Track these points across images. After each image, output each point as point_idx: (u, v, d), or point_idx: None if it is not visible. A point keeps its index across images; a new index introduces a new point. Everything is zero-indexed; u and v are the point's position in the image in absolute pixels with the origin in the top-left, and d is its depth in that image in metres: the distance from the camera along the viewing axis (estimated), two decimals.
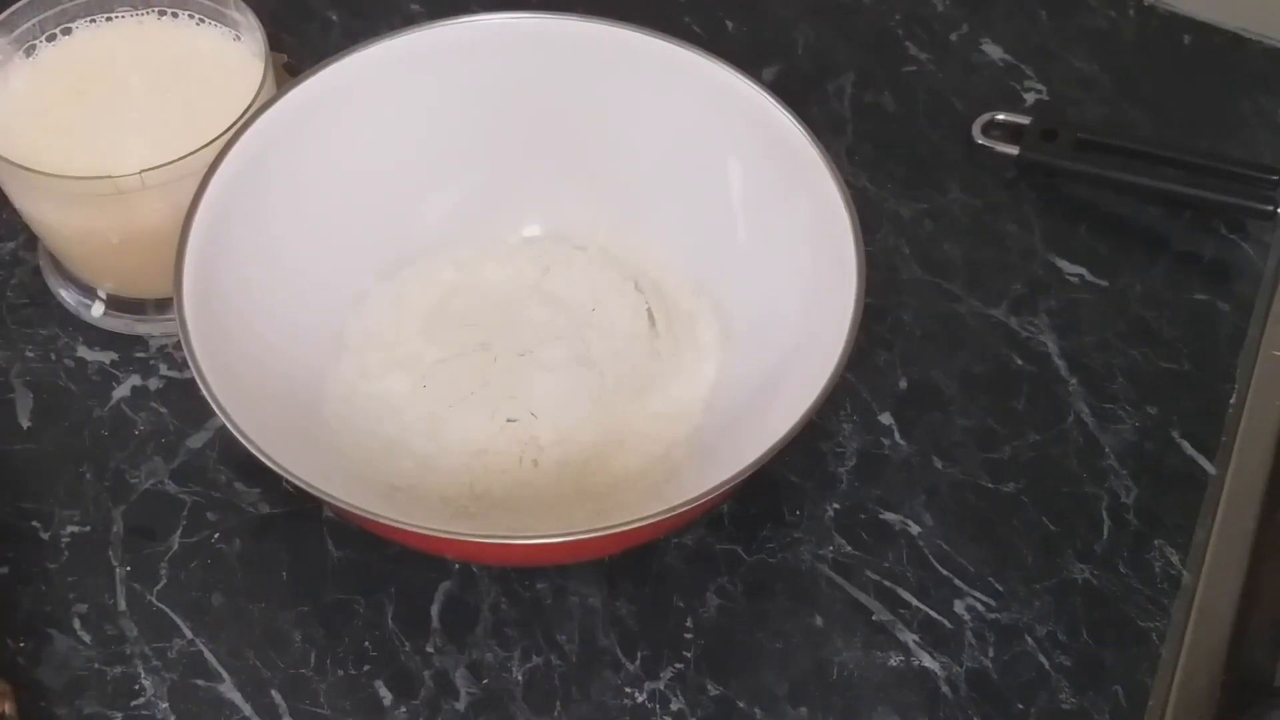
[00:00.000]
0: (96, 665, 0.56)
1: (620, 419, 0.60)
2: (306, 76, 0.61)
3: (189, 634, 0.57)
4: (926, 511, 0.61)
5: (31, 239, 0.68)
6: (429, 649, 0.57)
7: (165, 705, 0.55)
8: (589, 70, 0.63)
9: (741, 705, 0.56)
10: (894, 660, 0.57)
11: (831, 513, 0.61)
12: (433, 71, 0.63)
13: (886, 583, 0.59)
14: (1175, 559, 0.61)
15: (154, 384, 0.64)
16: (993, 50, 0.79)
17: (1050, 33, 0.80)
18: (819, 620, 0.58)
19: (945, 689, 0.57)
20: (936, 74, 0.77)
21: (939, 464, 0.63)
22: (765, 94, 0.60)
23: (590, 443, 0.59)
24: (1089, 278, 0.69)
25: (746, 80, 0.61)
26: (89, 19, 0.64)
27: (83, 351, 0.65)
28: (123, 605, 0.58)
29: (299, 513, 0.60)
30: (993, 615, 0.59)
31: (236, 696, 0.56)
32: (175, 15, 0.65)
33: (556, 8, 0.64)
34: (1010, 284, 0.69)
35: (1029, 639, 0.58)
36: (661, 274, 0.64)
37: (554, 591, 0.59)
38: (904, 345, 0.67)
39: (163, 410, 0.63)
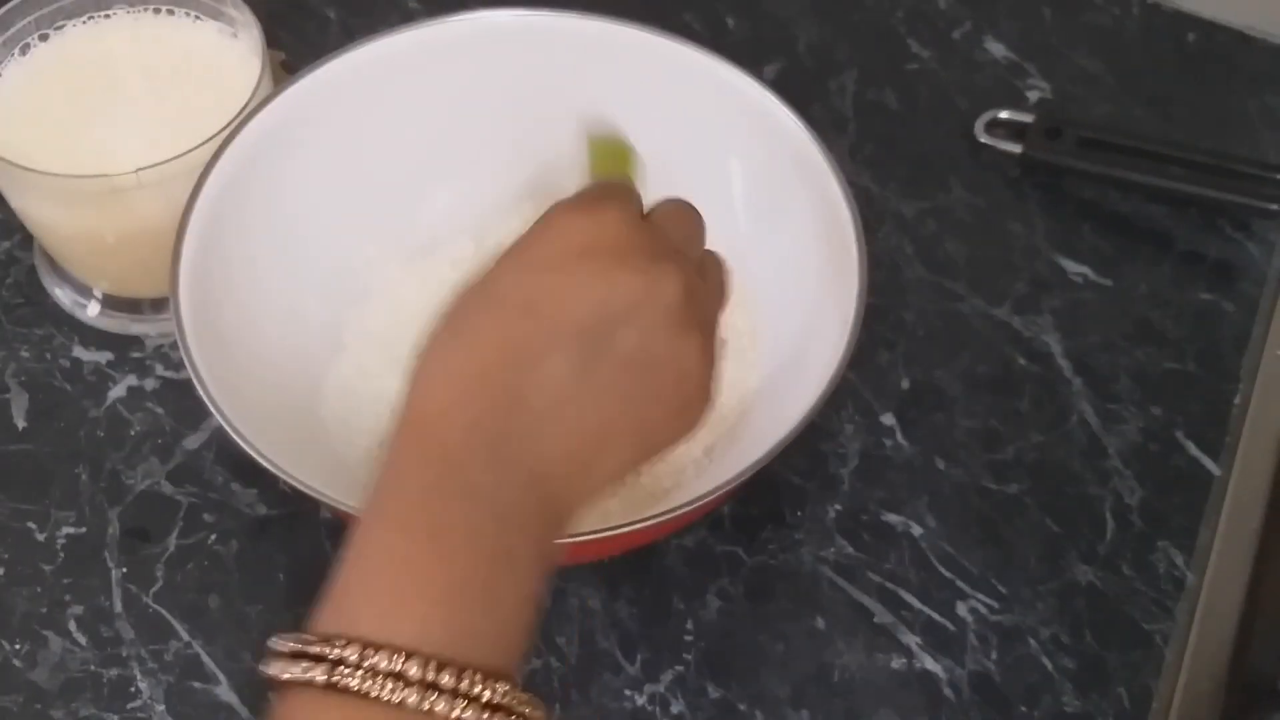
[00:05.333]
0: (92, 667, 0.56)
1: None
2: (304, 74, 0.60)
3: (185, 636, 0.57)
4: (929, 513, 0.61)
5: (27, 238, 0.67)
6: None
7: (161, 708, 0.55)
8: (589, 68, 0.63)
9: (742, 708, 0.56)
10: (896, 663, 0.57)
11: (833, 514, 0.61)
12: (431, 69, 0.63)
13: (888, 584, 0.59)
14: (1179, 560, 0.60)
15: (150, 384, 0.64)
16: (996, 48, 0.78)
17: (1054, 30, 0.79)
18: (820, 622, 0.58)
19: (948, 691, 0.56)
20: (939, 72, 0.77)
21: (941, 465, 0.62)
22: (767, 92, 0.60)
23: None
24: (1093, 277, 0.69)
25: (748, 78, 0.61)
26: (85, 17, 0.64)
27: (78, 351, 0.65)
28: (119, 607, 0.57)
29: (296, 514, 0.60)
30: (996, 617, 0.58)
31: (233, 699, 0.55)
32: (172, 12, 0.64)
33: (556, 5, 0.63)
34: (1014, 283, 0.69)
35: (1032, 641, 0.58)
36: None
37: (554, 593, 0.58)
38: (906, 345, 0.66)
39: (159, 410, 0.63)
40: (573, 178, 0.65)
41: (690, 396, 0.42)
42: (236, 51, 0.63)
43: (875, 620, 0.58)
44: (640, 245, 0.41)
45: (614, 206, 0.42)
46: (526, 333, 0.39)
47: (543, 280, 0.40)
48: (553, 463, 0.39)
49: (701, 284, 0.44)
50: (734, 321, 0.62)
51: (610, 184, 0.46)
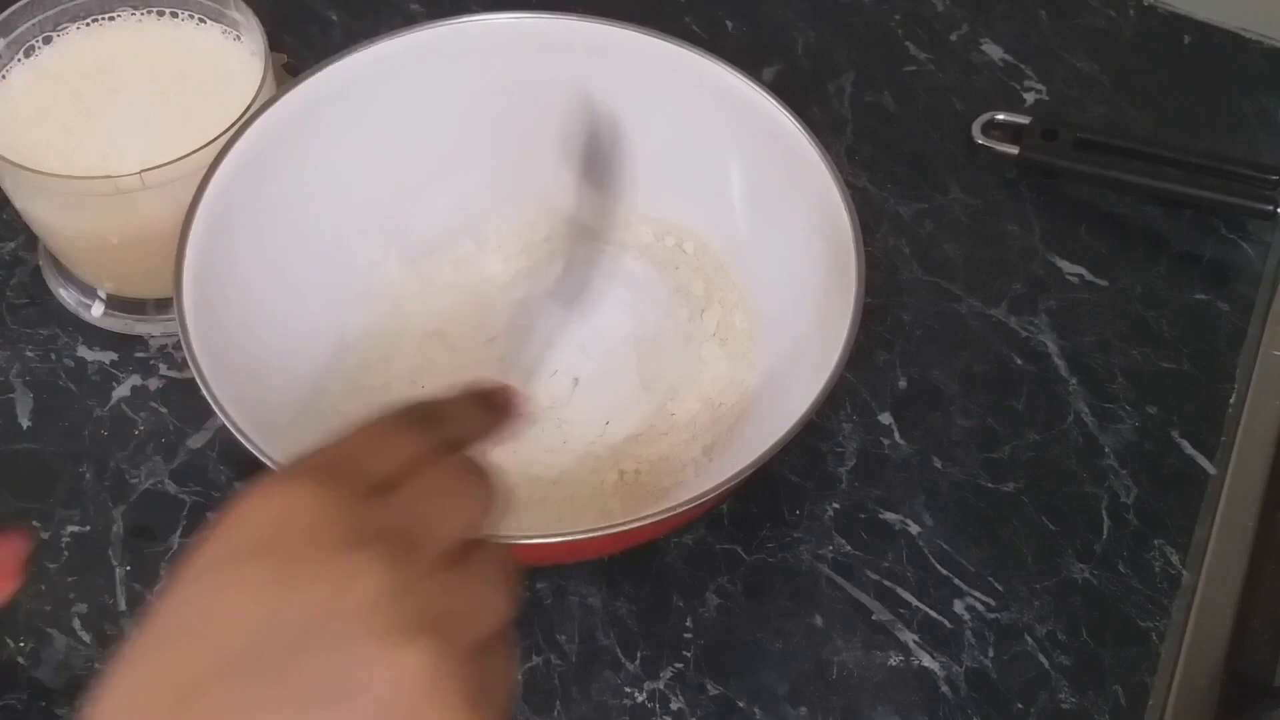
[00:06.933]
0: (97, 665, 0.56)
1: (620, 420, 0.60)
2: (306, 76, 0.61)
3: None
4: (926, 511, 0.61)
5: (31, 239, 0.68)
6: None
7: None
8: (589, 70, 0.63)
9: (741, 705, 0.56)
10: (894, 660, 0.57)
11: (831, 512, 0.61)
12: (433, 72, 0.63)
13: (886, 582, 0.59)
14: (1175, 558, 0.61)
15: (154, 384, 0.64)
16: (993, 50, 0.79)
17: (1050, 32, 0.80)
18: (819, 620, 0.58)
19: (945, 689, 0.57)
20: (937, 74, 0.78)
21: (939, 464, 0.63)
22: (765, 94, 0.60)
23: (590, 443, 0.59)
24: (1089, 277, 0.69)
25: (746, 80, 0.61)
26: (89, 20, 0.64)
27: (83, 351, 0.65)
28: (123, 605, 0.58)
29: None
30: (992, 615, 0.59)
31: None
32: (175, 15, 0.65)
33: (556, 7, 0.64)
34: (1010, 284, 0.69)
35: (1029, 639, 0.58)
36: (661, 273, 0.64)
37: (554, 591, 0.59)
38: (904, 345, 0.67)
39: (163, 410, 0.63)
40: (571, 178, 0.65)
41: None
42: (239, 54, 0.64)
43: (873, 618, 0.58)
44: (331, 532, 0.30)
45: (307, 482, 0.31)
46: (185, 664, 0.30)
47: (200, 593, 0.31)
48: None
49: (431, 572, 0.31)
50: (734, 321, 0.62)
51: (335, 449, 0.34)
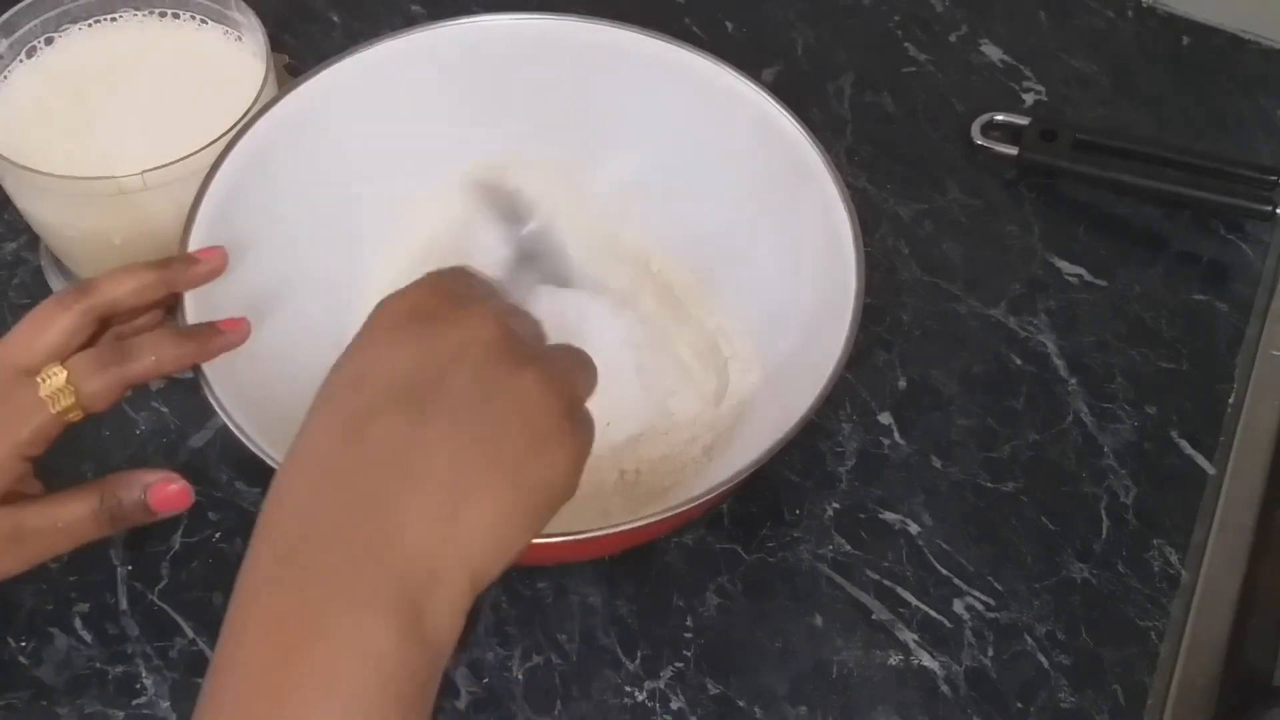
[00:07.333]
0: (98, 664, 0.56)
1: (621, 420, 0.60)
2: (308, 77, 0.61)
3: (190, 633, 0.57)
4: (926, 511, 0.61)
5: (33, 239, 0.68)
6: None
7: (166, 704, 0.56)
8: (589, 71, 0.64)
9: (741, 704, 0.56)
10: (893, 659, 0.58)
11: (831, 512, 0.61)
12: (434, 72, 0.63)
13: (886, 582, 0.60)
14: (1174, 558, 0.61)
15: (155, 383, 0.64)
16: (992, 51, 0.79)
17: (1049, 33, 0.80)
18: (818, 619, 0.58)
19: (945, 688, 0.57)
20: (936, 75, 0.78)
21: (938, 463, 0.63)
22: (765, 95, 0.60)
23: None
24: (1088, 278, 0.70)
25: (746, 81, 0.61)
26: (91, 20, 0.64)
27: None
28: (124, 604, 0.58)
29: None
30: (992, 614, 0.59)
31: None
32: (177, 16, 0.65)
33: (556, 8, 0.64)
34: (1009, 284, 0.69)
35: (1028, 638, 0.58)
36: (661, 274, 0.64)
37: (555, 590, 0.59)
38: (903, 345, 0.67)
39: (164, 410, 0.63)
40: (572, 178, 0.66)
41: (547, 428, 0.40)
42: (241, 55, 0.64)
43: (873, 617, 0.59)
44: (456, 299, 0.42)
45: (425, 279, 0.44)
46: (355, 406, 0.40)
47: (366, 354, 0.41)
48: (407, 522, 0.38)
49: (521, 324, 0.44)
50: (733, 323, 0.62)
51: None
